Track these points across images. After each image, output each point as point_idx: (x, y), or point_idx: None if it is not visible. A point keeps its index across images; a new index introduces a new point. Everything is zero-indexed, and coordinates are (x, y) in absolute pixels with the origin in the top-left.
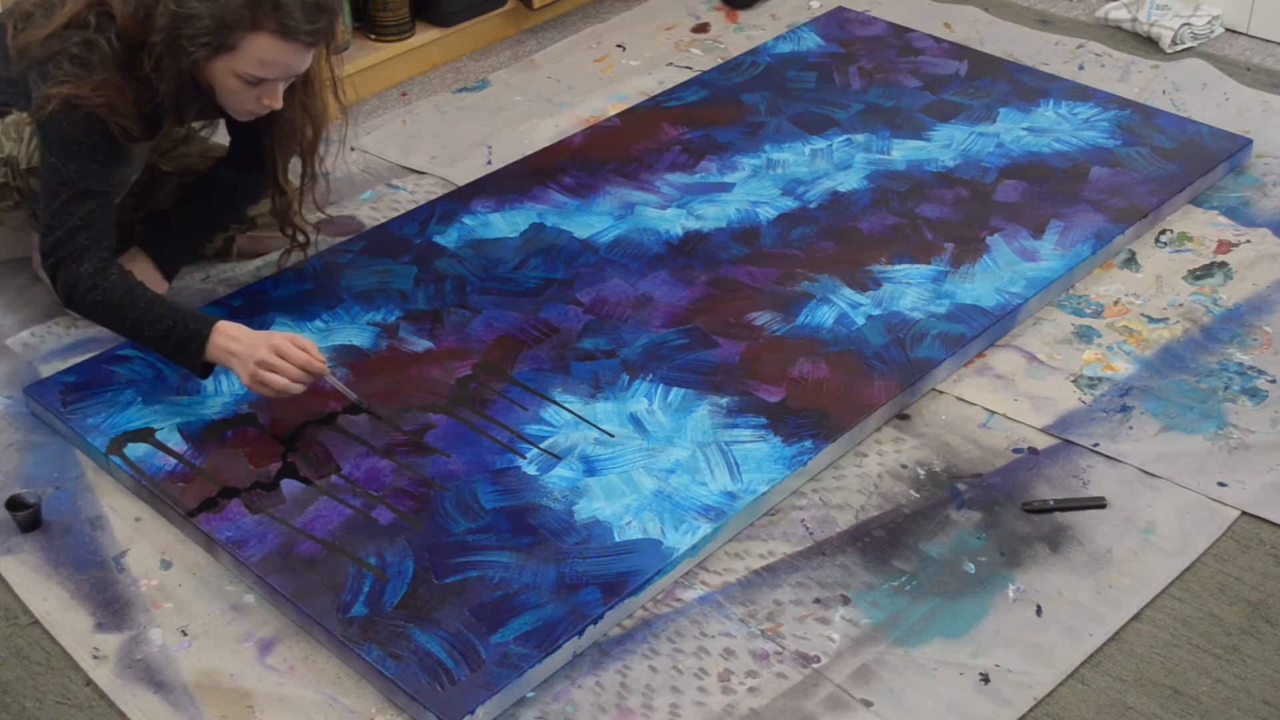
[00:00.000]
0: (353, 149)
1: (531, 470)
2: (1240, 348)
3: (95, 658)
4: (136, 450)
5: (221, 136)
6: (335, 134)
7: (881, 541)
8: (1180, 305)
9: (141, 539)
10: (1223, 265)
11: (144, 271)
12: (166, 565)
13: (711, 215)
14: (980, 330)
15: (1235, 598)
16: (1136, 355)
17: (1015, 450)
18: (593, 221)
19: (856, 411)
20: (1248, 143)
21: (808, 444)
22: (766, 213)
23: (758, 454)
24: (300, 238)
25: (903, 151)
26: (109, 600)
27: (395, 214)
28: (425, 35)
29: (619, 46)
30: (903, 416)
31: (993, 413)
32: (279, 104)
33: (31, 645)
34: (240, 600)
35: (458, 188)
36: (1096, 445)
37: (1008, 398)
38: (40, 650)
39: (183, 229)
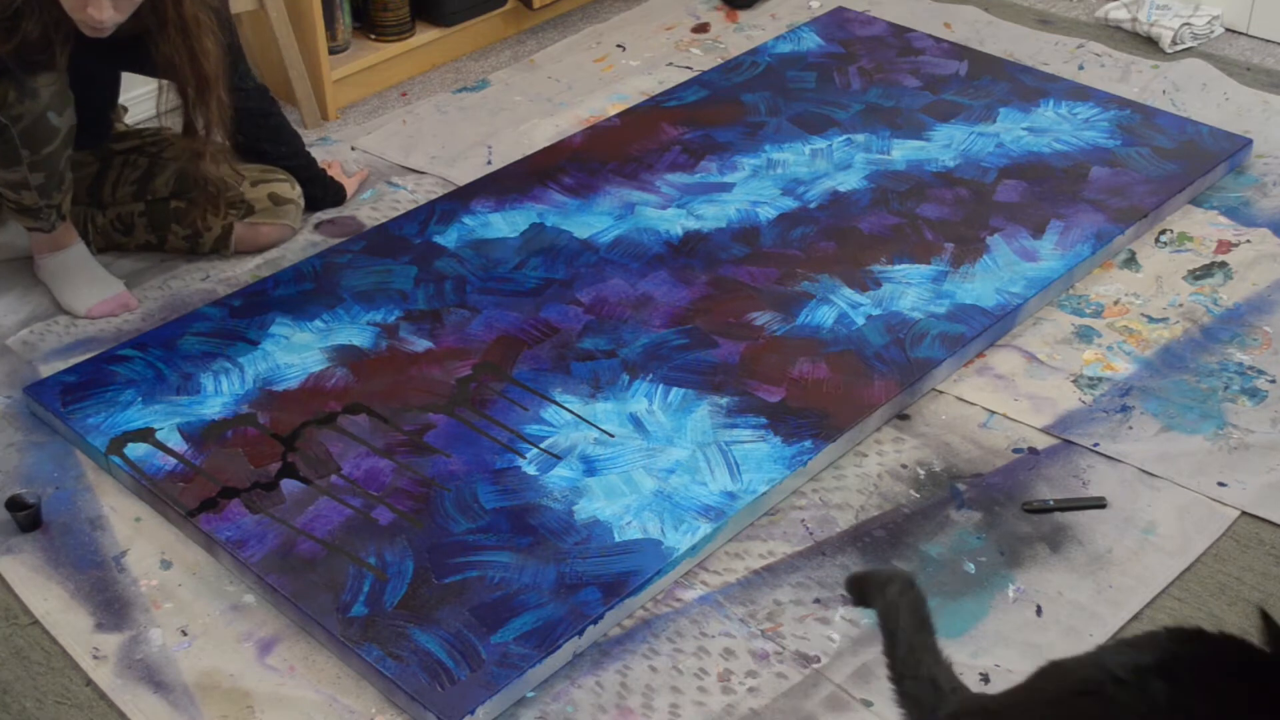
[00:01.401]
0: (353, 149)
1: (531, 470)
2: (1240, 348)
3: (95, 658)
4: (136, 450)
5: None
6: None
7: (881, 541)
8: (1180, 305)
9: (141, 539)
10: (1223, 265)
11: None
12: (166, 565)
13: (711, 215)
14: (980, 330)
15: (1235, 598)
16: (1136, 355)
17: (1015, 450)
18: (593, 221)
19: (856, 411)
20: (1248, 143)
21: (808, 444)
22: (766, 213)
23: (758, 454)
24: (210, 189)
25: (903, 151)
26: (109, 600)
27: (395, 214)
28: (425, 35)
29: (619, 46)
30: (903, 416)
31: (993, 413)
32: (103, 15)
33: (31, 645)
34: (240, 600)
35: (458, 188)
36: (1096, 445)
37: (1008, 398)
38: (40, 650)
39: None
